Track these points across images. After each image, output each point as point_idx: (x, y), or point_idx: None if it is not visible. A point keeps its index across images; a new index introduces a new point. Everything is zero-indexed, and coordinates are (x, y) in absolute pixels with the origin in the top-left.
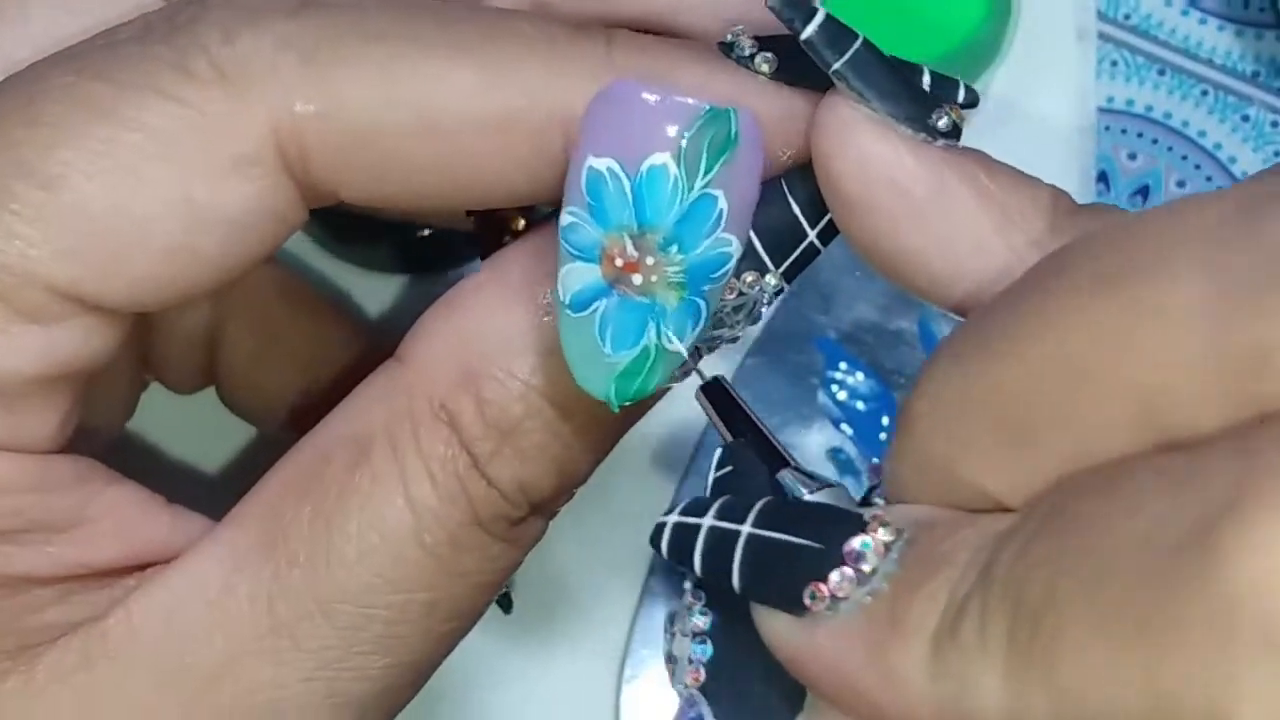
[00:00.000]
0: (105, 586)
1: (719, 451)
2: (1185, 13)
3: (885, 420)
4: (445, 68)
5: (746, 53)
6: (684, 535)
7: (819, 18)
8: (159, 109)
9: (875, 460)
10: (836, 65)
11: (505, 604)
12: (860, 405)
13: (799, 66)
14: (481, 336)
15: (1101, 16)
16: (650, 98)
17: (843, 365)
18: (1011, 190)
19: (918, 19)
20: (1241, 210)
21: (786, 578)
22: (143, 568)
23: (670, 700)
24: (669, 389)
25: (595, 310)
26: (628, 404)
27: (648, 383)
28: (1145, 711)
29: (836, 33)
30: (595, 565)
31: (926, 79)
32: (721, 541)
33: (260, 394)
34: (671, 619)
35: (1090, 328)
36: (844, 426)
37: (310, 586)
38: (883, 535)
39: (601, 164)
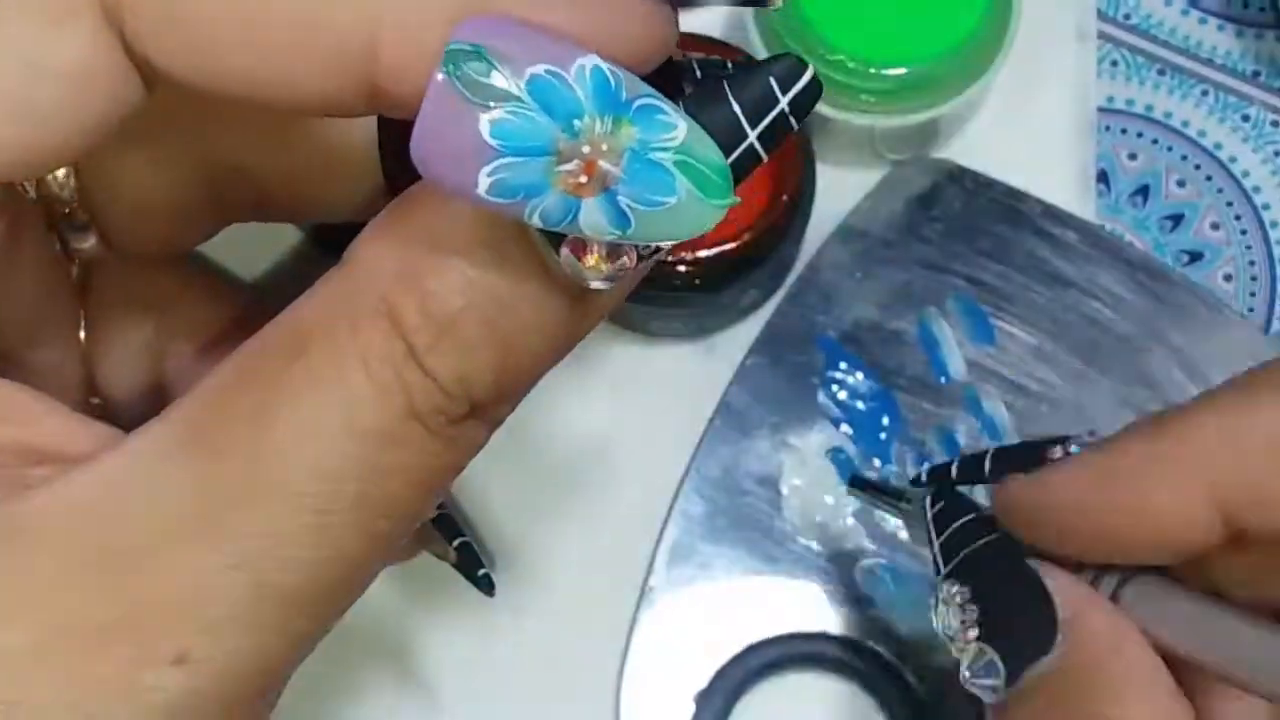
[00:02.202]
0: (17, 469)
1: (926, 497)
2: (1185, 12)
3: (885, 420)
4: None
5: None
6: (937, 467)
7: None
8: None
9: (876, 461)
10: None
11: (487, 587)
12: (860, 405)
13: None
14: (424, 232)
15: (1102, 16)
16: (423, 127)
17: (843, 365)
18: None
19: (918, 18)
20: None
21: (1029, 453)
22: (52, 462)
23: (670, 701)
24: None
25: (628, 208)
26: (734, 185)
27: (712, 163)
28: None
29: None
30: (595, 565)
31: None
32: (970, 464)
33: None
34: (933, 604)
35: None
36: (844, 426)
37: (238, 474)
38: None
39: (483, 183)
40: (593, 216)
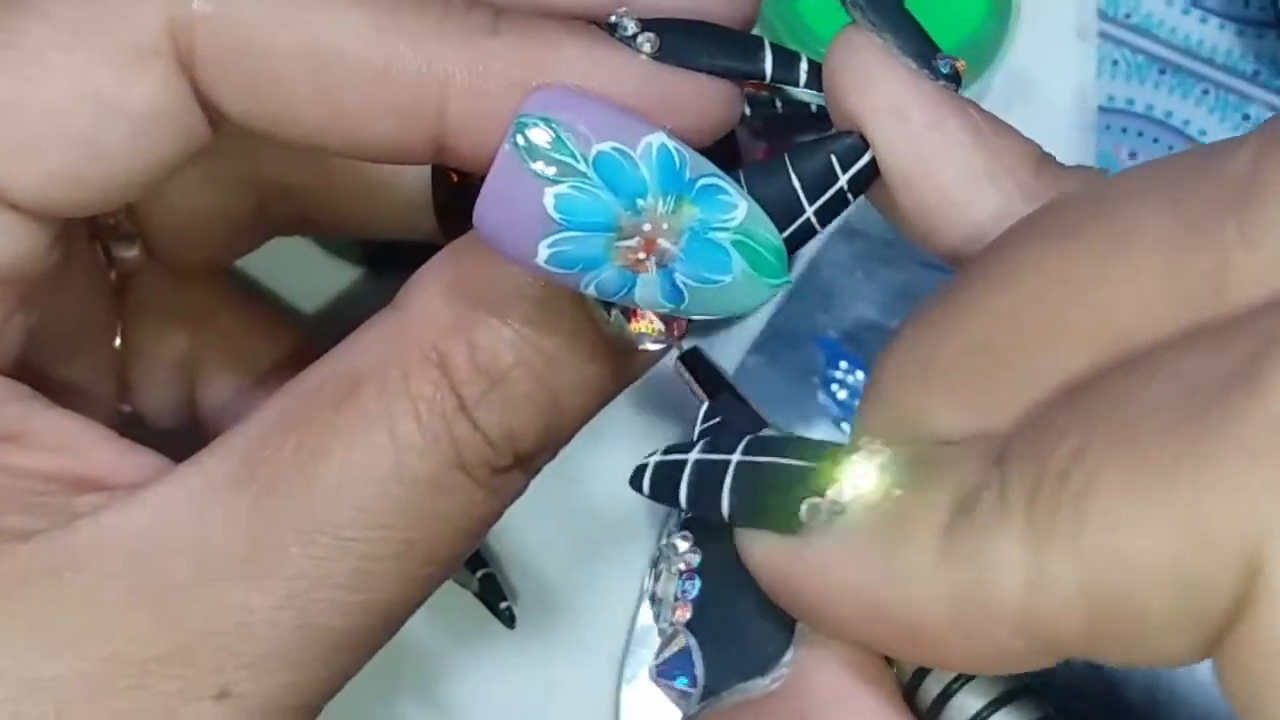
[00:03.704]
0: (65, 497)
1: (704, 407)
2: (1186, 12)
3: None
4: (342, 3)
5: (630, 33)
6: (668, 471)
7: None
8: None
9: None
10: None
11: (508, 619)
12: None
13: (680, 48)
14: (478, 285)
15: (1102, 15)
16: (487, 197)
17: (843, 364)
18: (1002, 136)
19: (919, 18)
20: (1202, 153)
21: (780, 497)
22: (98, 490)
23: (670, 703)
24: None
25: (684, 285)
26: (789, 266)
27: (770, 245)
28: (1177, 554)
29: None
30: (595, 566)
31: (804, 67)
32: (709, 471)
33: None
34: (655, 560)
35: (1058, 269)
36: (844, 425)
37: (288, 515)
38: (879, 452)
39: (543, 253)
40: (648, 291)
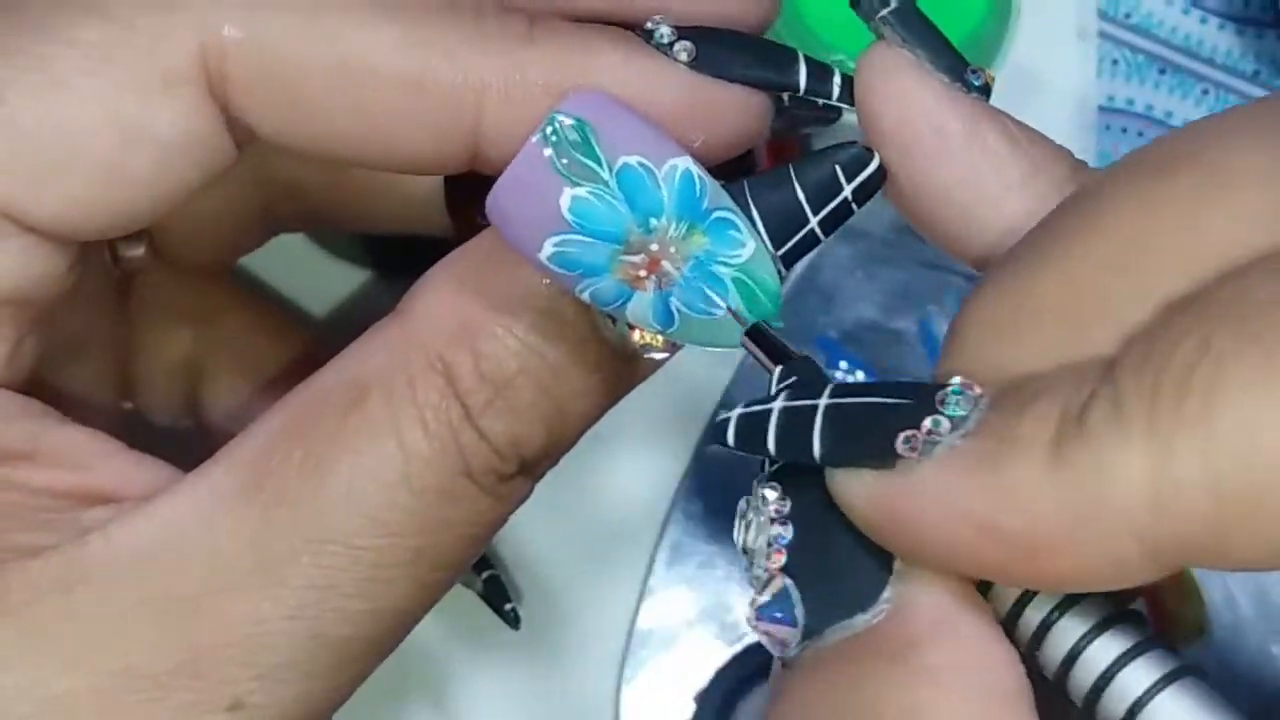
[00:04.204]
0: (74, 512)
1: (778, 370)
2: (1186, 12)
3: None
4: (373, 18)
5: (666, 40)
6: (754, 421)
7: None
8: (91, 25)
9: None
10: (884, 12)
11: (513, 621)
12: None
13: (715, 58)
14: (482, 292)
15: (1102, 15)
16: (506, 183)
17: (843, 365)
18: (1038, 144)
19: None
20: None
21: (875, 432)
22: (107, 503)
23: (670, 701)
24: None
25: (677, 310)
26: (779, 308)
27: (767, 287)
28: None
29: None
30: (595, 566)
31: (838, 80)
32: (797, 416)
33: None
34: (742, 513)
35: (1155, 206)
36: None
37: (297, 525)
38: (971, 381)
39: (547, 249)
40: (641, 309)
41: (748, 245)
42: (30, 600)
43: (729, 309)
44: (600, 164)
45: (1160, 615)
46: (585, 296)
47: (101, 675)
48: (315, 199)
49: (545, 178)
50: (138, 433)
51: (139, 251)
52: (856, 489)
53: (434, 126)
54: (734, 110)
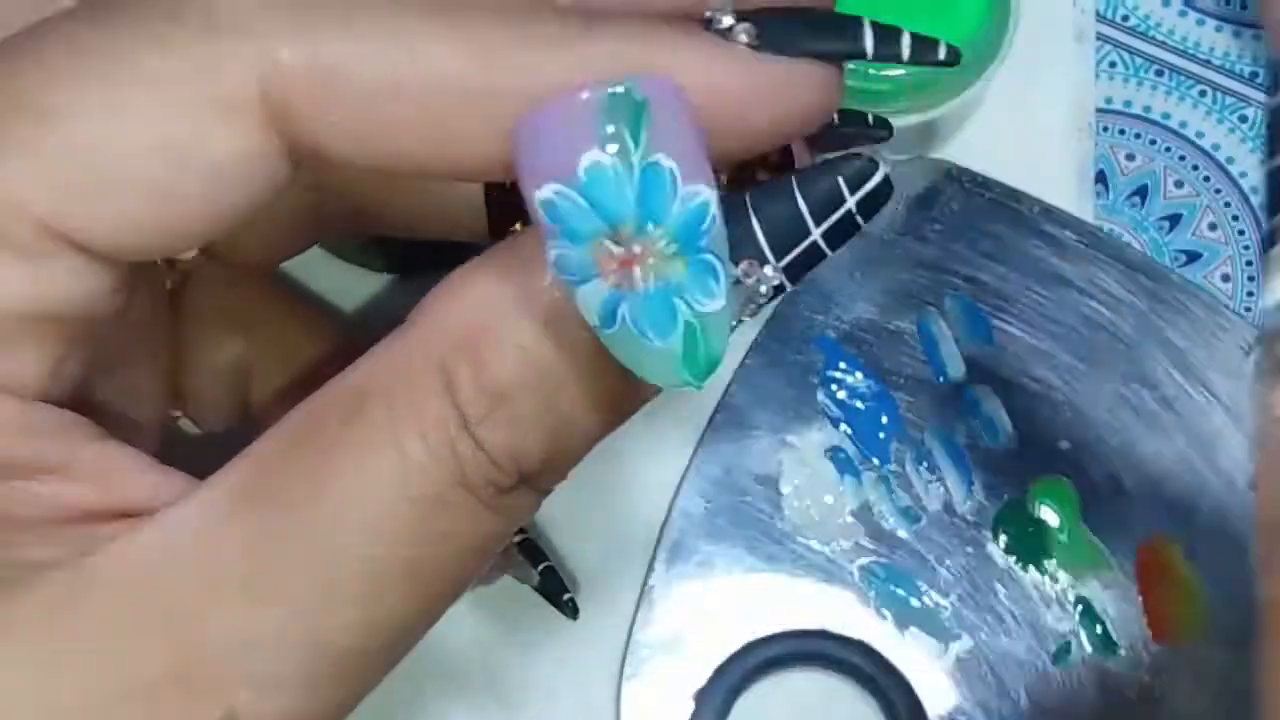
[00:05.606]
0: (87, 529)
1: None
2: (1183, 13)
3: (884, 419)
4: (430, 29)
5: (726, 25)
6: None
7: None
8: (150, 50)
9: (875, 460)
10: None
11: (571, 611)
12: (860, 405)
13: (778, 35)
14: (486, 303)
15: (1100, 17)
16: (547, 112)
17: (842, 365)
18: None
19: (917, 20)
20: None
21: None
22: (131, 517)
23: (670, 699)
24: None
25: (623, 317)
26: (708, 377)
27: (712, 349)
28: None
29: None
30: (595, 565)
31: (907, 41)
32: None
33: None
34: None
35: None
36: (843, 426)
37: (295, 534)
38: None
39: (546, 191)
40: (592, 296)
41: (718, 300)
42: (38, 615)
43: (662, 345)
44: (637, 148)
45: (1160, 615)
46: (551, 255)
47: (97, 686)
48: (362, 199)
49: (584, 130)
50: (188, 441)
51: (191, 254)
52: None
53: (500, 132)
54: (800, 85)
